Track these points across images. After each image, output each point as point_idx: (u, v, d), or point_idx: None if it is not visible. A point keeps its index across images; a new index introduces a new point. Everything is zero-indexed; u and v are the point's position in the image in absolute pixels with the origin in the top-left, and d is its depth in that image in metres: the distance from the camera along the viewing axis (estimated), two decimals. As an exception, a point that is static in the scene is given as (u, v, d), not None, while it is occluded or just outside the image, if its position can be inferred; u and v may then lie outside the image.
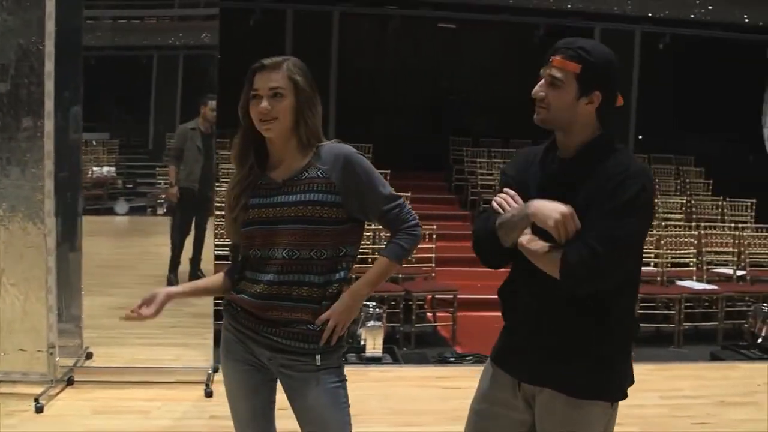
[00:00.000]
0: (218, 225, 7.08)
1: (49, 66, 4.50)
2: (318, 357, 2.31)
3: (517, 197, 2.21)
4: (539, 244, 2.11)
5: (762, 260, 7.97)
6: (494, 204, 2.25)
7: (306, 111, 2.30)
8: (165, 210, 7.96)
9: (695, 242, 7.64)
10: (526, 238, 2.14)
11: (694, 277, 7.35)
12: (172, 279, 6.72)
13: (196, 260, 6.65)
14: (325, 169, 2.30)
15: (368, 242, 7.05)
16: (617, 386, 2.21)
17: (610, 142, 2.20)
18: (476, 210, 10.57)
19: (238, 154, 2.38)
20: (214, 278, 2.54)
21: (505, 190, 2.25)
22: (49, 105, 4.53)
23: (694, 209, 9.53)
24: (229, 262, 7.02)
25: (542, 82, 2.18)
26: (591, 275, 2.05)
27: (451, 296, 6.69)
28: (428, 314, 7.06)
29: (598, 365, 2.17)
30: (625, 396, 2.23)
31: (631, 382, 2.25)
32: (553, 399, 2.19)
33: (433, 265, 7.24)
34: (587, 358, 2.16)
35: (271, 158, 2.36)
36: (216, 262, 5.79)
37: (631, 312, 2.30)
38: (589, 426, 2.19)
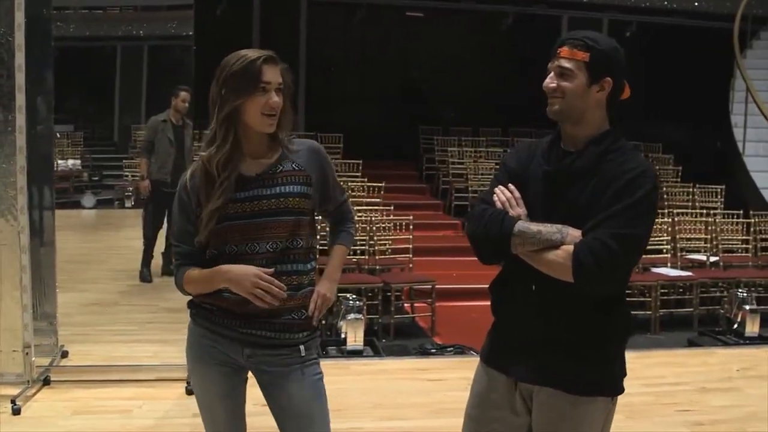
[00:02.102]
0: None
1: (20, 58, 4.35)
2: (302, 347, 2.33)
3: (517, 193, 2.19)
4: (553, 254, 2.08)
5: (733, 246, 8.07)
6: (495, 198, 2.21)
7: (288, 108, 2.32)
8: (133, 203, 7.84)
9: (669, 229, 7.70)
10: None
11: (669, 264, 7.39)
12: (145, 273, 6.62)
13: (168, 254, 6.53)
14: (300, 162, 2.34)
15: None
16: (617, 380, 2.20)
17: (618, 137, 2.17)
18: (447, 200, 10.55)
19: (224, 160, 2.26)
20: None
21: (509, 186, 2.21)
22: (21, 98, 4.37)
23: (665, 196, 9.60)
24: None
25: (552, 74, 2.16)
26: (605, 274, 2.03)
27: (430, 287, 6.66)
28: (405, 305, 7.02)
29: (599, 361, 2.15)
30: (623, 390, 2.21)
31: (625, 374, 2.24)
32: (554, 397, 2.16)
33: (411, 255, 7.19)
34: (589, 353, 2.14)
35: (245, 150, 2.31)
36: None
37: (626, 305, 2.27)
38: (591, 422, 2.17)
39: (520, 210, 2.17)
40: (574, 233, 2.07)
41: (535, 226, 2.12)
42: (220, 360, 2.36)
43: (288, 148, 2.33)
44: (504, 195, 2.20)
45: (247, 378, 2.44)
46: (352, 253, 7.03)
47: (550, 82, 2.15)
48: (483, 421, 2.29)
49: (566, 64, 2.12)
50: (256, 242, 2.28)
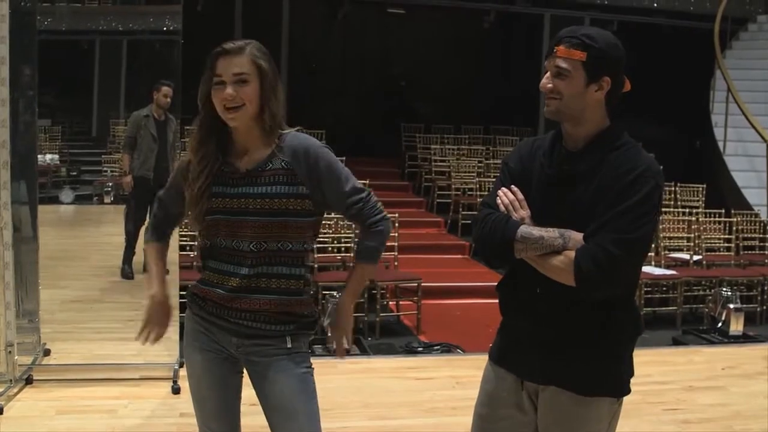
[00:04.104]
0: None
1: (3, 50, 4.26)
2: (288, 339, 2.28)
3: (520, 195, 2.16)
4: (555, 260, 2.06)
5: (715, 244, 8.11)
6: (499, 202, 2.18)
7: (271, 97, 2.23)
8: (112, 198, 7.73)
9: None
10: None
11: (653, 263, 7.42)
12: (127, 270, 6.52)
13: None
14: (288, 161, 2.24)
15: (329, 231, 6.94)
16: (624, 381, 2.18)
17: (619, 134, 2.15)
18: (430, 197, 10.54)
19: (196, 145, 2.27)
20: (161, 258, 2.51)
21: (512, 188, 2.19)
22: (4, 92, 4.29)
23: (663, 183, 9.61)
24: (190, 252, 6.83)
25: (548, 74, 2.11)
26: (607, 279, 2.01)
27: (415, 285, 6.62)
28: (390, 303, 6.98)
29: (606, 360, 2.13)
30: (629, 390, 2.19)
31: (632, 374, 2.22)
32: (558, 396, 2.14)
33: (396, 253, 7.16)
34: (595, 353, 2.11)
35: (235, 146, 2.28)
36: (181, 252, 5.61)
37: (635, 305, 2.26)
38: (596, 422, 2.16)
39: (523, 212, 2.14)
40: (577, 237, 2.05)
41: (537, 231, 2.09)
42: (212, 348, 2.34)
43: (280, 144, 2.25)
44: (507, 198, 2.17)
45: (241, 372, 2.40)
46: (335, 250, 7.00)
47: (546, 82, 2.11)
48: (491, 420, 2.28)
49: (563, 63, 2.07)
50: (240, 240, 2.24)
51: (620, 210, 2.00)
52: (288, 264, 2.26)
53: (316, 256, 6.44)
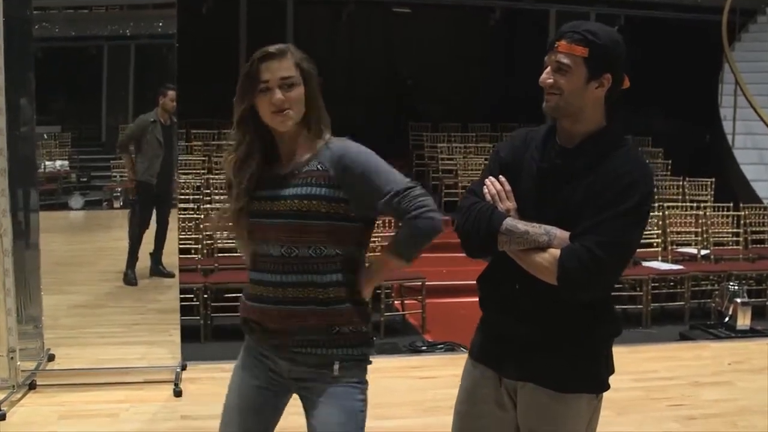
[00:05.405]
0: (182, 218, 6.92)
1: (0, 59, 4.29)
2: (336, 366, 2.14)
3: (507, 186, 2.13)
4: (539, 256, 2.04)
5: (723, 239, 8.04)
6: (485, 191, 2.16)
7: (317, 99, 2.18)
8: (122, 203, 7.76)
9: (659, 223, 7.68)
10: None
11: (660, 258, 7.37)
12: (130, 276, 6.53)
13: (157, 255, 6.47)
14: (324, 164, 2.14)
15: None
16: (603, 377, 2.16)
17: (617, 135, 2.12)
18: (437, 196, 10.50)
19: (243, 155, 2.18)
20: None
21: (500, 178, 2.16)
22: (1, 101, 4.31)
23: (655, 189, 9.55)
24: (193, 255, 6.85)
25: (548, 69, 2.08)
26: (590, 281, 2.00)
27: (420, 284, 6.61)
28: (396, 302, 6.97)
29: (583, 358, 2.12)
30: (608, 386, 2.17)
31: (612, 371, 2.20)
32: (537, 393, 2.12)
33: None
34: (574, 349, 2.10)
35: (279, 151, 2.20)
36: (180, 255, 5.62)
37: (612, 305, 2.22)
38: (575, 419, 2.14)
39: (509, 204, 2.12)
40: (562, 236, 2.03)
41: (522, 226, 2.07)
42: (263, 376, 2.24)
43: (320, 147, 2.16)
44: (494, 188, 2.15)
45: (284, 405, 2.29)
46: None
47: (546, 77, 2.07)
48: (471, 417, 2.26)
49: (564, 59, 2.04)
50: (269, 244, 2.15)
51: (609, 215, 1.98)
52: (322, 272, 2.13)
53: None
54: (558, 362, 2.09)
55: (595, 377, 2.14)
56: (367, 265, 2.26)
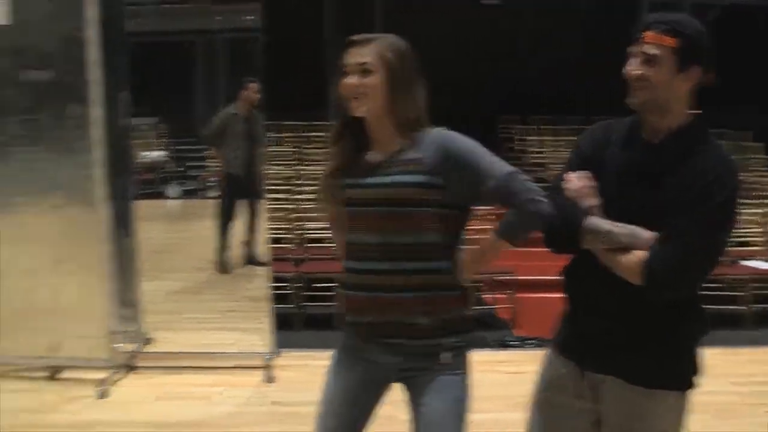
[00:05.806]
0: (271, 208, 7.05)
1: (94, 53, 4.43)
2: (443, 356, 2.15)
3: (590, 182, 2.07)
4: (624, 257, 1.99)
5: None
6: (569, 187, 2.10)
7: (399, 91, 2.14)
8: (217, 193, 7.95)
9: (759, 220, 7.40)
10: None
11: (759, 257, 7.10)
12: (223, 263, 6.71)
13: (250, 244, 6.62)
14: (420, 153, 2.12)
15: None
16: (687, 376, 2.09)
17: (704, 131, 2.04)
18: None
19: (333, 136, 2.24)
20: None
21: (582, 174, 2.09)
22: (96, 92, 4.47)
23: (755, 186, 9.23)
24: (282, 245, 6.99)
25: (635, 60, 2.00)
26: (677, 282, 1.95)
27: (509, 278, 6.56)
28: (485, 296, 6.93)
29: (668, 355, 2.06)
30: (695, 385, 2.10)
31: (700, 370, 2.12)
32: (621, 389, 2.07)
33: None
34: (659, 348, 2.05)
35: (371, 139, 2.21)
36: (272, 245, 5.73)
37: (699, 302, 2.13)
38: (663, 417, 2.08)
39: (593, 201, 2.06)
40: (647, 236, 1.97)
41: (606, 225, 2.01)
42: (359, 366, 2.24)
43: (415, 136, 2.15)
44: (577, 183, 2.09)
45: (381, 395, 2.27)
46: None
47: (633, 69, 2.00)
48: (550, 406, 2.22)
49: (652, 50, 1.96)
50: (365, 233, 2.16)
51: (695, 215, 1.92)
52: (426, 258, 2.13)
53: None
54: (643, 360, 2.04)
55: (680, 375, 2.08)
56: (475, 247, 2.22)
